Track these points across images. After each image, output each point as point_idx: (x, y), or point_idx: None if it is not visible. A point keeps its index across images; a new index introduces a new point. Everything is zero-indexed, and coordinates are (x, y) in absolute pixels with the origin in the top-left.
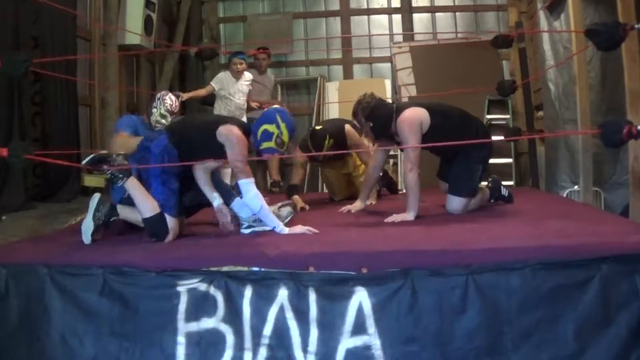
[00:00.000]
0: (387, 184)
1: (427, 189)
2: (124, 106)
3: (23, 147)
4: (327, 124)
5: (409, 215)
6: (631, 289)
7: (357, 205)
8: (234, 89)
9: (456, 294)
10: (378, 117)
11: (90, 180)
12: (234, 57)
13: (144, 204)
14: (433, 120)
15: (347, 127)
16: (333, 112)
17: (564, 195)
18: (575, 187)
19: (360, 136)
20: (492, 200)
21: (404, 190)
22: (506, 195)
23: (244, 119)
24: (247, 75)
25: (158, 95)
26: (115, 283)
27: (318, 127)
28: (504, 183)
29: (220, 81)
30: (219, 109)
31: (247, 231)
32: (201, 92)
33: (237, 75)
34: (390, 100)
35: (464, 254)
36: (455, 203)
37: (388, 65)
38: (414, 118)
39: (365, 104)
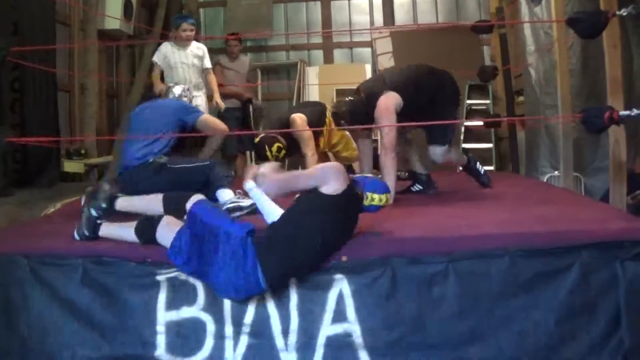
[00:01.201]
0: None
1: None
2: (104, 92)
3: (1, 131)
4: (275, 122)
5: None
6: (611, 275)
7: None
8: (177, 59)
9: (436, 281)
10: (356, 117)
11: (70, 166)
12: (183, 22)
13: None
14: (405, 98)
15: (293, 117)
16: (313, 96)
17: (544, 180)
18: (556, 172)
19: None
20: (470, 168)
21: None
22: (482, 173)
23: (200, 99)
24: (198, 48)
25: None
26: (94, 273)
27: (260, 137)
28: (484, 168)
29: (162, 54)
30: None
31: (237, 214)
32: (157, 80)
33: (185, 43)
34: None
35: (443, 241)
36: (437, 151)
37: (368, 50)
38: (389, 105)
39: (341, 114)
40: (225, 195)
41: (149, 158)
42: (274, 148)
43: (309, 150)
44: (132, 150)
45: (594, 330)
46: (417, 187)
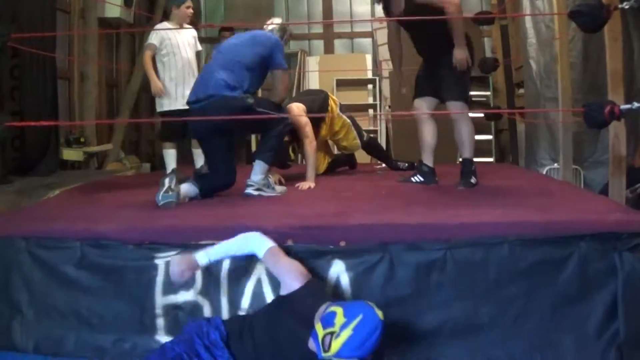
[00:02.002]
0: (348, 161)
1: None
2: (103, 80)
3: (0, 117)
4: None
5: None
6: (609, 266)
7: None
8: (178, 38)
9: (434, 268)
10: None
11: (69, 154)
12: (184, 1)
13: None
14: None
15: (290, 106)
16: (313, 86)
17: (544, 172)
18: (555, 164)
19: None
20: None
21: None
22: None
23: (192, 76)
24: (191, 29)
25: None
26: (93, 255)
27: None
28: (484, 159)
29: (160, 35)
30: (163, 70)
31: (255, 193)
32: (149, 62)
33: (184, 22)
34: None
35: (442, 228)
36: (459, 108)
37: (369, 40)
38: None
39: None
40: (259, 171)
41: (238, 93)
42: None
43: (306, 137)
44: (220, 79)
45: (591, 320)
46: (418, 178)
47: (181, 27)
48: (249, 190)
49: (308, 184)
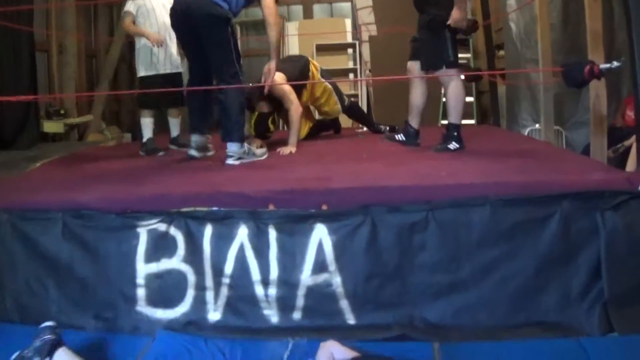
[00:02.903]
0: (333, 125)
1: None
2: (82, 51)
3: None
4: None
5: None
6: (591, 225)
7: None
8: (154, 4)
9: (416, 230)
10: None
11: (49, 126)
12: None
13: None
14: None
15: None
16: (293, 51)
17: (525, 133)
18: (537, 125)
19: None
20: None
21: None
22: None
23: (174, 47)
24: None
25: None
26: (75, 226)
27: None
28: (465, 122)
29: (134, 2)
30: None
31: (236, 163)
32: (136, 27)
33: None
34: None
35: (423, 190)
36: (444, 77)
37: (348, 4)
38: None
39: None
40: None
41: (224, 5)
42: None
43: (291, 104)
44: None
45: (575, 280)
46: (401, 137)
47: None
48: (230, 161)
49: (289, 148)
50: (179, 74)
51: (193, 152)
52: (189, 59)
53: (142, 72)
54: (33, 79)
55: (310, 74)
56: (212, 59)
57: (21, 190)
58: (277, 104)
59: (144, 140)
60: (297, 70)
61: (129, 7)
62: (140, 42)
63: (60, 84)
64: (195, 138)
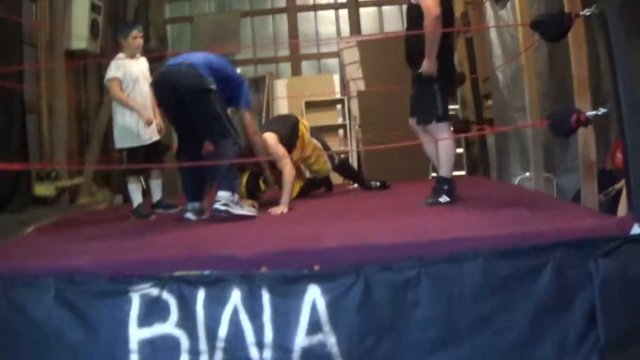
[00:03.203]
0: (324, 183)
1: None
2: (73, 113)
3: None
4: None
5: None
6: (585, 273)
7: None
8: (136, 71)
9: (409, 287)
10: None
11: (41, 189)
12: (133, 29)
13: None
14: None
15: (266, 137)
16: (283, 109)
17: (516, 182)
18: (527, 174)
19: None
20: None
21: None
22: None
23: (158, 117)
24: (144, 59)
25: None
26: (67, 291)
27: None
28: (456, 173)
29: (120, 66)
30: (124, 105)
31: (221, 208)
32: (122, 94)
33: (137, 53)
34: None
35: (415, 246)
36: (434, 130)
37: (336, 60)
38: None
39: None
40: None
41: (206, 74)
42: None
43: (285, 165)
44: (196, 58)
45: (571, 328)
46: (444, 198)
47: (138, 57)
48: (217, 205)
49: (281, 208)
50: (159, 141)
51: (189, 216)
52: (176, 129)
53: (128, 144)
54: (24, 140)
55: (300, 133)
56: (200, 128)
57: (13, 256)
58: (270, 164)
59: (135, 205)
60: (288, 129)
61: (115, 72)
62: (125, 114)
63: (51, 146)
64: (191, 206)
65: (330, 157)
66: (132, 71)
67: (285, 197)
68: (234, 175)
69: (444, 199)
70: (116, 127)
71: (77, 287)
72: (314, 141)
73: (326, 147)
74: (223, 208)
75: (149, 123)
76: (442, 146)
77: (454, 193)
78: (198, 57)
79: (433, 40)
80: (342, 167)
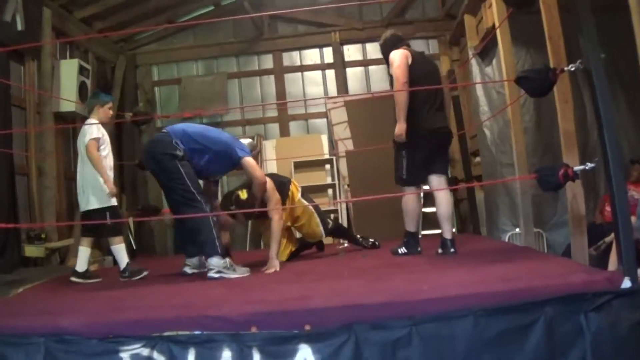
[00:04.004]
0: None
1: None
2: (62, 174)
3: None
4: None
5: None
6: (576, 328)
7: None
8: (107, 138)
9: (400, 346)
10: None
11: (31, 251)
12: (110, 100)
13: None
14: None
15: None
16: (271, 169)
17: (506, 238)
18: (517, 229)
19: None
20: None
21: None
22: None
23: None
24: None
25: None
26: (57, 351)
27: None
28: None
29: (99, 128)
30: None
31: (216, 276)
32: (100, 161)
33: (106, 120)
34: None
35: (406, 306)
36: (401, 190)
37: (324, 120)
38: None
39: None
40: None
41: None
42: (242, 193)
43: (276, 214)
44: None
45: None
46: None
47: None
48: (211, 274)
49: (272, 265)
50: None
51: (187, 270)
52: (162, 190)
53: (112, 202)
54: (13, 202)
55: (290, 193)
56: (170, 191)
57: (2, 316)
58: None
59: (123, 266)
60: (277, 186)
61: (96, 132)
62: (97, 178)
63: (40, 207)
64: (189, 262)
65: (323, 222)
66: (104, 136)
67: (273, 249)
68: (213, 239)
69: (402, 250)
70: (95, 186)
71: (67, 347)
72: (305, 202)
73: (319, 212)
74: (217, 276)
75: (112, 194)
76: (403, 204)
77: (412, 247)
78: (176, 127)
79: (399, 106)
80: (336, 231)
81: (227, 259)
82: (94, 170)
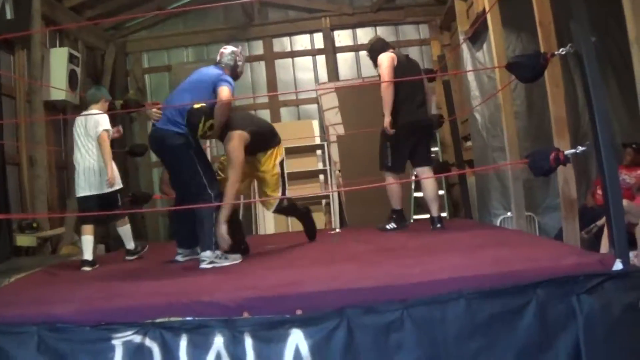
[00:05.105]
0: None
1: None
2: (53, 163)
3: None
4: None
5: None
6: (568, 310)
7: None
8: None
9: (392, 329)
10: None
11: (22, 240)
12: (108, 96)
13: None
14: None
15: (232, 134)
16: None
17: (498, 222)
18: (508, 213)
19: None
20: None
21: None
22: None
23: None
24: None
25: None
26: (50, 340)
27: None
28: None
29: (107, 119)
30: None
31: (208, 267)
32: (109, 151)
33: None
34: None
35: (398, 289)
36: (384, 177)
37: (315, 106)
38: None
39: None
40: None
41: (179, 129)
42: (208, 124)
43: (233, 175)
44: (164, 115)
45: None
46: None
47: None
48: (203, 265)
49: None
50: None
51: (179, 258)
52: (171, 178)
53: (117, 186)
54: (4, 191)
55: (273, 151)
56: (182, 179)
57: None
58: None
59: (130, 247)
60: (266, 134)
61: (108, 124)
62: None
63: (31, 197)
64: (181, 250)
65: (280, 199)
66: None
67: (222, 214)
68: (211, 233)
69: (391, 225)
70: (109, 170)
71: (60, 335)
72: (278, 171)
73: (284, 189)
74: (210, 267)
75: (111, 184)
76: (388, 188)
77: (401, 222)
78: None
79: (385, 102)
80: (287, 209)
81: (219, 251)
82: (95, 163)
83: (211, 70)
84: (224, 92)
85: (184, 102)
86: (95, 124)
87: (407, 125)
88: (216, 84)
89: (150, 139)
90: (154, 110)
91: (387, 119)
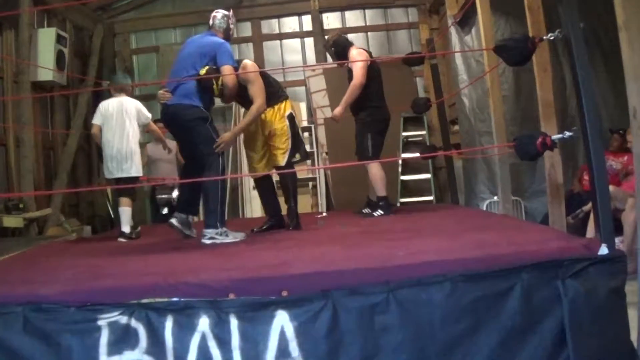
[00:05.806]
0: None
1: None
2: (40, 143)
3: None
4: None
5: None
6: (553, 294)
7: None
8: (115, 107)
9: (377, 311)
10: None
11: (9, 221)
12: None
13: None
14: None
15: (245, 63)
16: None
17: (484, 206)
18: (495, 197)
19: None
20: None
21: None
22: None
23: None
24: None
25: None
26: (36, 320)
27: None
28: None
29: None
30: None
31: (208, 242)
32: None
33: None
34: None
35: (383, 271)
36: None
37: (302, 88)
38: None
39: None
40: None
41: (193, 101)
42: (219, 82)
43: (258, 98)
44: (178, 88)
45: (540, 350)
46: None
47: None
48: (203, 240)
49: (222, 140)
50: None
51: (173, 221)
52: (182, 151)
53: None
54: None
55: (281, 105)
56: (196, 153)
57: None
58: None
59: (126, 229)
60: (273, 85)
61: (96, 119)
62: (137, 149)
63: (18, 177)
64: (177, 215)
65: (291, 153)
66: (108, 109)
67: (238, 127)
68: (218, 211)
69: (378, 213)
70: (137, 156)
71: (45, 315)
72: (286, 123)
73: (298, 145)
74: (209, 242)
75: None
76: (372, 176)
77: (389, 208)
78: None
79: (348, 96)
80: (286, 183)
81: (222, 228)
82: (136, 141)
83: (208, 38)
84: (227, 71)
85: (189, 74)
86: (138, 111)
87: (387, 121)
88: (217, 57)
89: (164, 116)
90: (160, 92)
91: (341, 109)
